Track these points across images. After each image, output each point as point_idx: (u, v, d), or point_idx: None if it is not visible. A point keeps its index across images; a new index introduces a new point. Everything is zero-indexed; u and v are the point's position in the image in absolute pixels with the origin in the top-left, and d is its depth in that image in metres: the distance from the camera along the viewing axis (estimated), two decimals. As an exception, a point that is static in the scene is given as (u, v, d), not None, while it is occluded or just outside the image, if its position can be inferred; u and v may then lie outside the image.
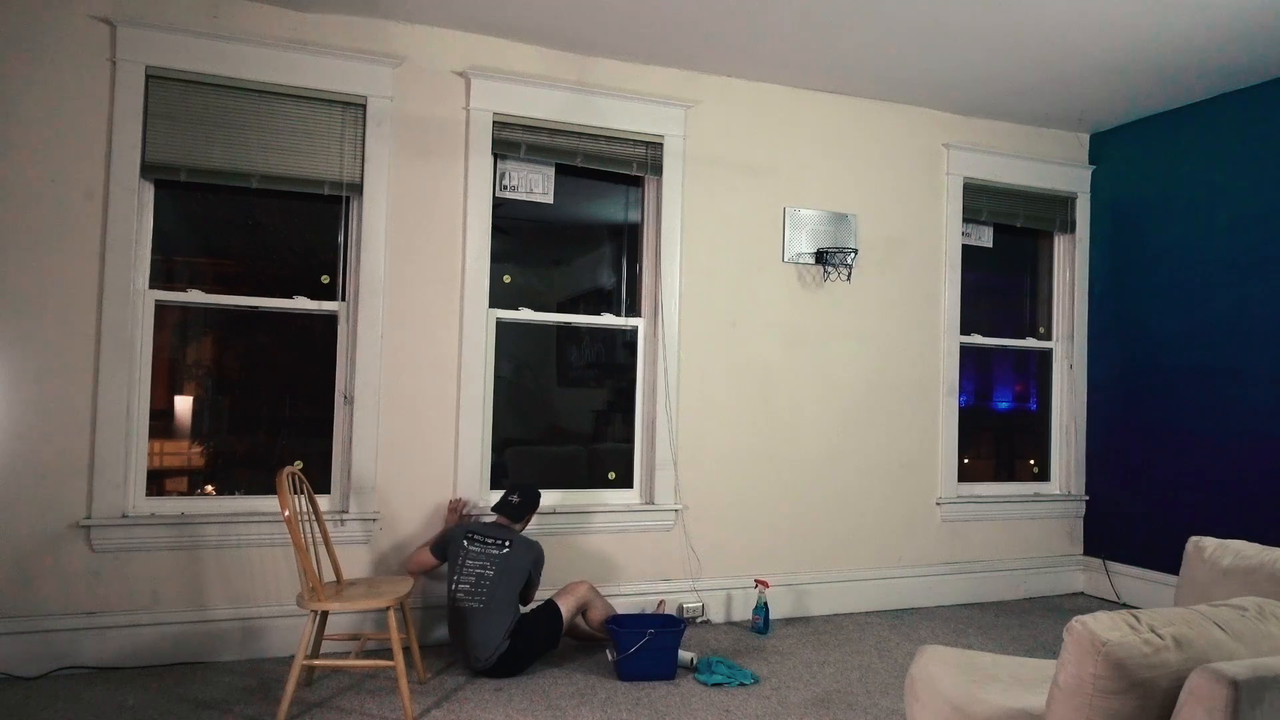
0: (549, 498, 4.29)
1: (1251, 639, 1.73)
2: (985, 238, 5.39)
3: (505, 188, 4.34)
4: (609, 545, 4.38)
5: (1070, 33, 4.00)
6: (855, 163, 4.94)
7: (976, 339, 5.31)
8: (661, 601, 4.33)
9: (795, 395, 4.77)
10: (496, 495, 4.23)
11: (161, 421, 3.85)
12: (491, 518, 3.94)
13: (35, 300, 3.55)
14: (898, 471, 5.00)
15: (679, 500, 4.49)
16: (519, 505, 3.84)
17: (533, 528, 4.16)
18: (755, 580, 4.47)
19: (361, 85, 3.98)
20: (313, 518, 3.43)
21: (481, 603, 3.53)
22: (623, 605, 4.27)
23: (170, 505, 3.77)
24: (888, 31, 4.04)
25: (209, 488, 3.93)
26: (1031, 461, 5.53)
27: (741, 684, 3.61)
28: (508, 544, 3.65)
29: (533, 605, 3.81)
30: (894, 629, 4.52)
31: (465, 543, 3.65)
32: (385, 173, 4.03)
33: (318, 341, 4.06)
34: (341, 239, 4.08)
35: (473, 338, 4.16)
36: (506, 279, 4.38)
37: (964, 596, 5.09)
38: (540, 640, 3.65)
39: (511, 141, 4.24)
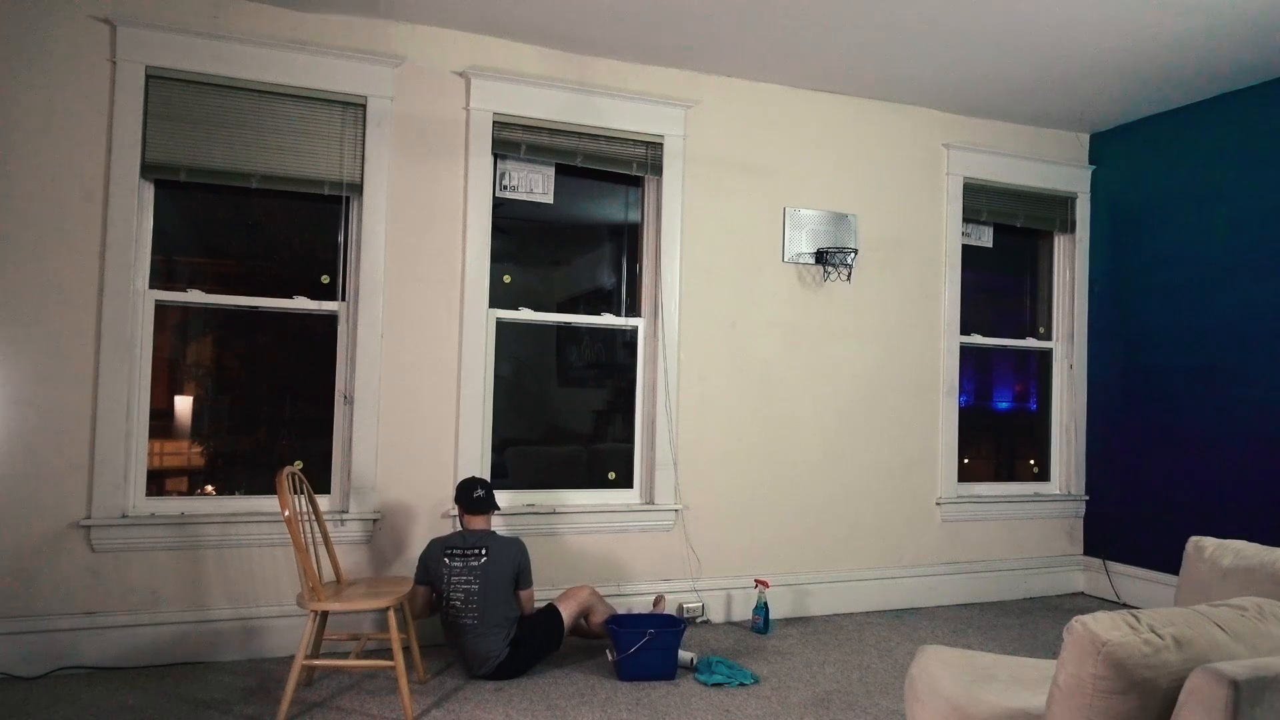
0: (549, 498, 4.29)
1: (1251, 639, 1.73)
2: (985, 238, 5.39)
3: (505, 188, 4.34)
4: (609, 545, 4.38)
5: (1070, 33, 4.00)
6: (855, 163, 4.94)
7: (976, 339, 5.31)
8: (659, 598, 4.19)
9: (795, 395, 4.77)
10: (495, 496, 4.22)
11: (161, 421, 3.85)
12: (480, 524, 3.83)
13: (35, 300, 3.55)
14: (898, 471, 5.00)
15: (679, 500, 4.49)
16: (487, 498, 3.68)
17: (533, 527, 4.17)
18: (755, 580, 4.47)
19: (361, 85, 3.98)
20: (313, 518, 3.43)
21: (475, 619, 3.48)
22: (623, 606, 4.26)
23: (170, 505, 3.77)
24: (888, 31, 4.04)
25: (209, 488, 3.93)
26: (1031, 461, 5.53)
27: (741, 684, 3.61)
28: (484, 552, 3.54)
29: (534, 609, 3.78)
30: (894, 629, 4.52)
31: (446, 559, 3.54)
32: (385, 173, 4.03)
33: (318, 341, 4.06)
34: (341, 239, 4.08)
35: (473, 338, 4.16)
36: (506, 279, 4.38)
37: (964, 596, 5.09)
38: (541, 646, 3.63)
39: (511, 141, 4.24)
